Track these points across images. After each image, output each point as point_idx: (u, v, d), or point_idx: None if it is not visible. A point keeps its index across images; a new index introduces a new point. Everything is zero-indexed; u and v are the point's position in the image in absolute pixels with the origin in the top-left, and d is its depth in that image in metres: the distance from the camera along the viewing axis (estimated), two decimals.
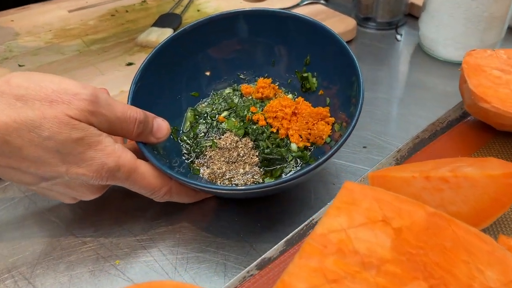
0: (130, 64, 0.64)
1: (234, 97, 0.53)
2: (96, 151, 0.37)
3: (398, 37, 0.76)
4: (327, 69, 0.51)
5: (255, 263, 0.37)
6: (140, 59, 0.65)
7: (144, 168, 0.40)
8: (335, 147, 0.39)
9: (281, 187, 0.38)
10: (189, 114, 0.51)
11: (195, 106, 0.52)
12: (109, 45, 0.69)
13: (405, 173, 0.39)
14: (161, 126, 0.42)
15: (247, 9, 0.52)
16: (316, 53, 0.52)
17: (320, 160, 0.38)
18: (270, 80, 0.54)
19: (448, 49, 0.68)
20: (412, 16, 0.81)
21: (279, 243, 0.39)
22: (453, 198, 0.37)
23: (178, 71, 0.51)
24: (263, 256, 0.38)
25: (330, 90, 0.50)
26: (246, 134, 0.49)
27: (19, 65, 0.64)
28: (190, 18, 0.77)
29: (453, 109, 0.53)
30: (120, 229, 0.45)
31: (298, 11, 0.77)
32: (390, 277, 0.29)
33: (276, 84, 0.54)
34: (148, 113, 0.42)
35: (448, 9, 0.65)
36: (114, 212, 0.47)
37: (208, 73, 0.54)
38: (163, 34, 0.69)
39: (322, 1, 0.81)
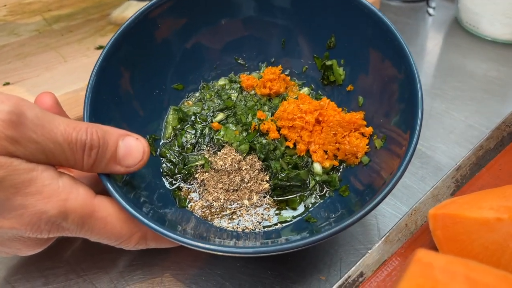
0: (100, 47, 0.51)
1: (232, 91, 0.40)
2: (27, 195, 0.25)
3: (431, 10, 0.63)
4: (360, 56, 0.37)
5: None
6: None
7: (105, 210, 0.28)
8: (393, 180, 0.27)
9: (310, 243, 0.26)
10: (171, 116, 0.38)
11: (179, 105, 0.39)
12: (75, 24, 0.55)
13: (484, 211, 0.27)
14: (131, 148, 0.29)
15: None
16: (344, 32, 0.38)
17: (370, 206, 0.26)
18: (279, 68, 0.41)
19: (496, 26, 0.55)
20: None
21: None
22: None
23: (154, 55, 0.37)
24: None
25: (364, 86, 0.37)
26: (252, 150, 0.36)
27: None
28: None
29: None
30: (79, 281, 0.33)
31: None
32: None
33: (287, 73, 0.41)
34: (110, 130, 0.28)
35: None
36: (72, 256, 0.35)
37: (194, 58, 0.40)
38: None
39: None
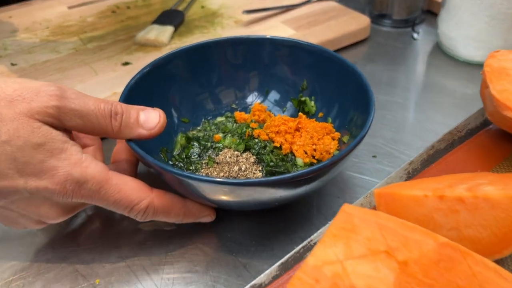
0: (126, 64, 0.60)
1: (228, 123, 0.49)
2: (60, 160, 0.33)
3: (415, 35, 0.71)
4: (326, 91, 0.48)
5: None
6: (138, 59, 0.61)
7: (118, 179, 0.35)
8: (358, 139, 0.36)
9: (292, 184, 0.35)
10: (179, 138, 0.47)
11: (186, 132, 0.48)
12: (106, 43, 0.65)
13: (416, 191, 0.35)
14: (150, 114, 0.37)
15: (237, 36, 0.50)
16: (312, 76, 0.49)
17: (342, 153, 0.35)
18: (266, 107, 0.50)
19: (469, 49, 0.63)
20: (431, 12, 0.76)
21: (272, 267, 0.35)
22: (470, 221, 0.33)
23: (168, 92, 0.47)
24: (253, 282, 0.34)
25: (331, 111, 0.48)
26: (247, 149, 0.45)
27: (12, 64, 0.61)
28: (193, 14, 0.73)
29: (473, 116, 0.48)
30: (103, 244, 0.42)
31: (309, 7, 0.73)
32: None
33: (272, 113, 0.51)
34: (131, 105, 0.37)
35: (470, 5, 0.60)
36: (100, 226, 0.43)
37: (198, 100, 0.50)
38: (163, 32, 0.65)
39: None
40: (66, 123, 0.34)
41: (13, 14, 0.74)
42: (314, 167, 0.34)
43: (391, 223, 0.28)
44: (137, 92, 0.43)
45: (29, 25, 0.71)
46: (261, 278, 0.34)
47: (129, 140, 0.37)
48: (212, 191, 0.36)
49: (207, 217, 0.41)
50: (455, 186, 0.35)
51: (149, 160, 0.36)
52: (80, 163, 0.34)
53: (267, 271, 0.34)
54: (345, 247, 0.27)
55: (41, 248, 0.42)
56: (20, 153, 0.32)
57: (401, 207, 0.35)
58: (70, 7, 0.75)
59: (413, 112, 0.57)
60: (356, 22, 0.69)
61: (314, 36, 0.66)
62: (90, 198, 0.35)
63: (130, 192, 0.36)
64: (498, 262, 0.32)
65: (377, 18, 0.74)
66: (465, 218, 0.33)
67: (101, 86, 0.56)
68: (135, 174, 0.42)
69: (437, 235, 0.27)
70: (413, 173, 0.42)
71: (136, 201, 0.36)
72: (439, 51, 0.67)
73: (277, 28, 0.68)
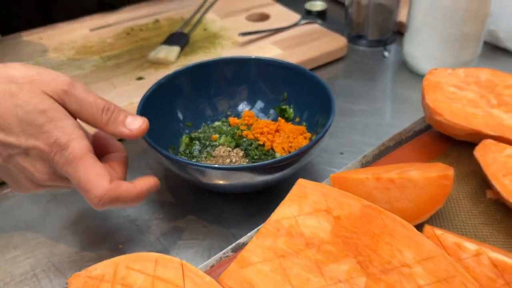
0: (140, 78, 0.73)
1: (223, 126, 0.61)
2: (56, 126, 0.40)
3: (386, 54, 0.83)
4: (301, 100, 0.60)
5: (230, 246, 0.45)
6: (150, 74, 0.74)
7: (91, 162, 0.40)
8: (318, 137, 0.48)
9: (270, 169, 0.46)
10: (184, 138, 0.59)
11: (190, 134, 0.60)
12: (123, 61, 0.78)
13: (360, 174, 0.46)
14: (136, 120, 0.44)
15: (230, 57, 0.63)
16: (290, 88, 0.61)
17: (305, 147, 0.47)
18: (253, 113, 0.62)
19: (427, 66, 0.74)
20: (401, 33, 0.88)
21: (252, 231, 0.46)
22: (399, 196, 0.44)
23: (175, 102, 0.60)
24: (237, 241, 0.45)
25: (304, 116, 0.60)
26: (237, 146, 0.57)
27: None
28: (197, 36, 0.85)
29: (419, 121, 0.59)
30: (123, 218, 0.54)
31: (295, 30, 0.85)
32: (327, 254, 0.36)
33: (259, 118, 0.63)
34: (123, 109, 0.45)
35: (427, 29, 0.72)
36: None
37: (199, 108, 0.62)
38: (170, 52, 0.77)
39: (318, 21, 0.89)
40: (67, 106, 0.42)
41: (43, 36, 0.87)
42: (284, 156, 0.46)
43: (331, 192, 0.39)
44: (151, 103, 0.55)
45: (57, 46, 0.83)
46: (243, 239, 0.45)
47: (147, 137, 0.49)
48: (210, 175, 0.47)
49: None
50: (390, 171, 0.46)
51: (166, 154, 0.47)
52: (70, 133, 0.40)
53: (248, 234, 0.46)
54: (298, 207, 0.38)
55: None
56: (27, 115, 0.39)
57: (349, 186, 0.47)
58: (91, 30, 0.88)
59: (378, 118, 0.69)
60: (335, 43, 0.81)
61: (298, 55, 0.78)
62: (63, 166, 0.40)
63: (93, 177, 0.40)
64: (417, 226, 0.43)
65: (354, 38, 0.86)
66: (395, 194, 0.44)
67: (119, 98, 0.69)
68: (122, 169, 0.46)
69: (362, 199, 0.39)
70: (366, 164, 0.54)
71: (93, 186, 0.40)
72: (404, 67, 0.79)
73: (267, 49, 0.80)
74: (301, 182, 0.40)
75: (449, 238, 0.38)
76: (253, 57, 0.61)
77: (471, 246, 0.37)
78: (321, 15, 0.92)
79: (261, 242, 0.37)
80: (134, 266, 0.36)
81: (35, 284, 0.47)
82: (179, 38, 0.82)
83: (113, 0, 0.96)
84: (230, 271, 0.35)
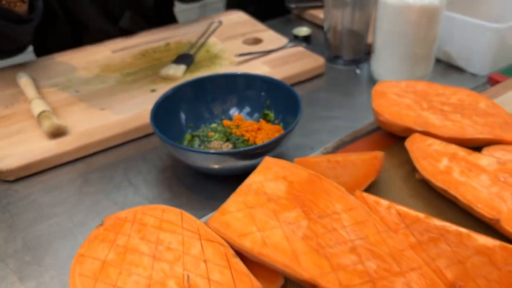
0: (153, 90, 0.89)
1: (218, 127, 0.77)
2: None
3: (357, 71, 0.99)
4: (279, 105, 0.77)
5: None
6: (161, 87, 0.90)
7: None
8: (286, 131, 0.64)
9: (250, 155, 0.62)
10: (187, 136, 0.75)
11: (191, 133, 0.77)
12: (139, 77, 0.95)
13: (317, 158, 0.62)
14: None
15: (222, 73, 0.79)
16: (271, 96, 0.78)
17: (274, 139, 0.62)
18: (242, 116, 0.78)
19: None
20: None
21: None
22: (342, 172, 0.60)
23: (180, 107, 0.76)
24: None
25: (281, 117, 0.77)
26: (227, 140, 0.73)
27: (76, 91, 0.91)
28: (200, 56, 1.02)
29: (371, 123, 0.75)
30: (139, 197, 0.70)
31: (283, 52, 1.02)
32: (282, 206, 0.51)
33: (246, 120, 0.79)
34: None
35: (386, 50, 0.88)
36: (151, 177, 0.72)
37: (199, 112, 0.79)
38: (178, 69, 0.94)
39: (303, 44, 1.06)
40: None
41: (73, 57, 1.04)
42: (259, 145, 0.62)
43: (287, 165, 0.55)
44: (161, 108, 0.72)
45: (85, 65, 1.01)
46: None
47: (159, 134, 0.65)
48: (204, 159, 0.63)
49: None
50: (338, 156, 0.62)
51: (174, 144, 0.63)
52: None
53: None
54: (263, 176, 0.54)
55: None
56: None
57: (308, 166, 0.62)
58: (113, 52, 1.05)
59: (347, 122, 0.84)
60: (315, 62, 0.98)
61: (284, 72, 0.94)
62: None
63: None
64: None
65: (332, 58, 1.03)
66: (340, 171, 0.60)
67: (136, 106, 0.85)
68: None
69: (310, 170, 0.54)
70: (326, 154, 0.69)
71: None
72: (372, 82, 0.95)
73: (258, 67, 0.97)
74: (266, 159, 0.56)
75: (371, 198, 0.53)
76: (239, 73, 0.78)
77: (384, 202, 0.53)
78: (306, 39, 1.09)
79: (236, 198, 0.52)
80: (148, 212, 0.51)
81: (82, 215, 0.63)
82: (185, 58, 1.00)
83: (131, 27, 1.14)
84: (214, 217, 0.51)
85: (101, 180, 0.73)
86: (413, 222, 0.51)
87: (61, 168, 0.76)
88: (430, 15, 0.82)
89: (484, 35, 0.88)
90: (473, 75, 0.94)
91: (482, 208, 0.52)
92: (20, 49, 0.99)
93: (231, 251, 0.48)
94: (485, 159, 0.58)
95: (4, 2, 0.82)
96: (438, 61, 0.98)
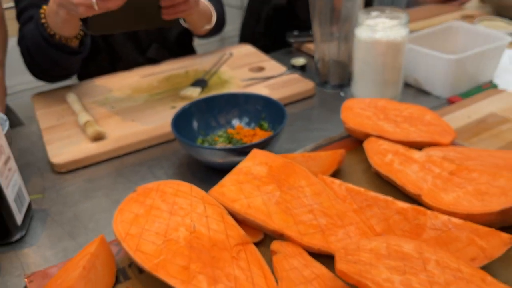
0: (173, 107, 1.11)
1: (223, 134, 0.98)
2: None
3: (342, 94, 1.20)
4: (271, 116, 0.97)
5: None
6: (180, 105, 1.12)
7: None
8: (273, 135, 0.84)
9: (244, 152, 0.82)
10: (198, 140, 0.96)
11: (202, 138, 0.98)
12: (163, 97, 1.17)
13: (295, 155, 0.82)
14: None
15: (226, 92, 1.01)
16: (267, 111, 0.98)
17: (263, 140, 0.83)
18: (242, 126, 0.99)
19: None
20: None
21: None
22: (312, 163, 0.80)
23: (193, 118, 0.98)
24: None
25: (272, 126, 0.97)
26: (229, 143, 0.93)
27: (112, 107, 1.13)
28: (213, 81, 1.24)
29: (343, 131, 0.95)
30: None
31: (282, 78, 1.23)
32: (263, 182, 0.71)
33: (246, 128, 1.00)
34: None
35: (363, 76, 1.09)
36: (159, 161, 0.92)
37: (208, 122, 1.00)
38: (194, 91, 1.16)
39: (299, 72, 1.27)
40: None
41: (109, 81, 1.28)
42: (252, 143, 0.83)
43: (270, 155, 0.75)
44: (179, 120, 0.93)
45: (119, 87, 1.24)
46: None
47: (176, 134, 0.86)
48: (211, 155, 0.84)
49: None
50: (310, 153, 0.82)
51: (189, 143, 0.84)
52: None
53: None
54: (251, 162, 0.74)
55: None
56: None
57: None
58: (142, 77, 1.28)
59: (329, 133, 1.04)
60: (306, 86, 1.19)
61: (281, 94, 1.15)
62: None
63: None
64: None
65: (322, 84, 1.24)
66: (311, 163, 0.80)
67: (160, 119, 1.07)
68: None
69: (285, 158, 0.74)
70: None
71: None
72: None
73: (260, 90, 1.18)
74: (254, 151, 0.76)
75: (328, 179, 0.73)
76: (241, 92, 0.99)
77: (337, 181, 0.72)
78: (302, 68, 1.31)
79: (231, 177, 0.72)
80: (167, 185, 0.72)
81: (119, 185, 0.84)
82: (201, 83, 1.22)
83: (157, 57, 1.37)
84: (214, 189, 0.71)
85: (131, 173, 0.94)
86: (356, 194, 0.70)
87: (101, 164, 0.98)
88: (395, 48, 1.02)
89: (443, 64, 1.08)
90: (437, 97, 1.13)
91: (410, 187, 0.72)
92: (69, 75, 1.23)
93: (225, 211, 0.68)
94: (418, 153, 0.77)
95: (62, 38, 1.06)
96: (410, 86, 1.18)
